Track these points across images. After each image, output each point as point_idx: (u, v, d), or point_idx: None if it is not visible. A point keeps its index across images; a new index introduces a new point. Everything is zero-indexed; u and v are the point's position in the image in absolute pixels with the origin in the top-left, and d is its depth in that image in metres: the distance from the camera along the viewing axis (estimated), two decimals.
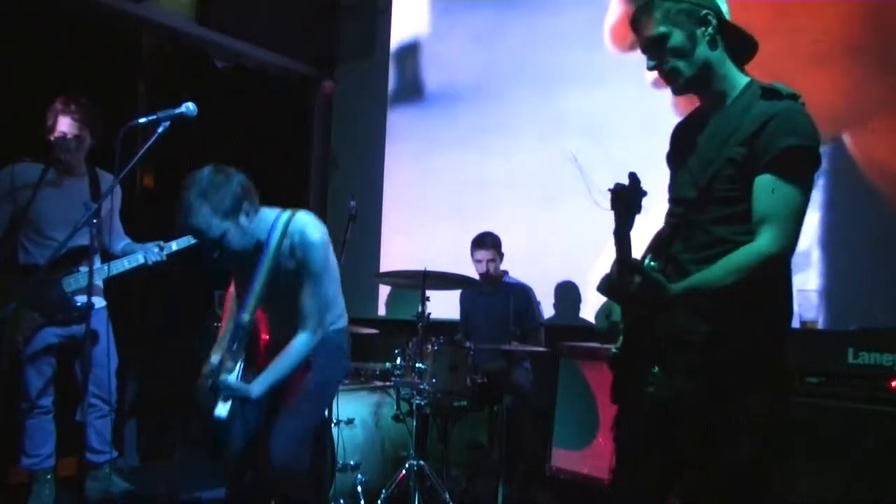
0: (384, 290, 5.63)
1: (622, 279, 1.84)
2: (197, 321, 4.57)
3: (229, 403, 2.50)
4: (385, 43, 5.85)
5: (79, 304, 3.38)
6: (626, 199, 1.85)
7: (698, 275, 1.84)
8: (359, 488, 3.58)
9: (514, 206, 4.90)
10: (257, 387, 2.50)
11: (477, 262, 4.35)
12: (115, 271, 3.47)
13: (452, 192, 5.28)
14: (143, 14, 4.78)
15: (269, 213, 2.66)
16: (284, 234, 2.58)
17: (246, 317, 2.54)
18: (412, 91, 5.67)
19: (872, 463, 2.86)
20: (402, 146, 5.67)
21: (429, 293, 3.86)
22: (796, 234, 1.83)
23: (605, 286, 1.93)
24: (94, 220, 2.94)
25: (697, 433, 1.89)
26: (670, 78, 1.96)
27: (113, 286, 3.62)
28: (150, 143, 3.01)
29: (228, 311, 2.88)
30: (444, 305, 4.45)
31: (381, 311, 5.62)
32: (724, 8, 1.95)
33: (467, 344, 3.78)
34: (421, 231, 5.45)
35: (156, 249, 3.52)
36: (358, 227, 3.65)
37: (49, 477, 3.53)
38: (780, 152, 1.80)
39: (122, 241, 3.67)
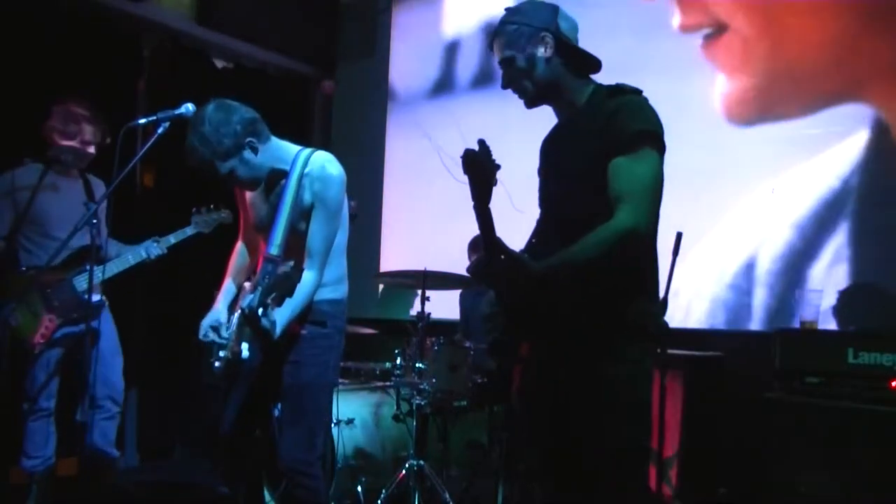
0: (384, 291, 5.63)
1: (489, 259, 1.93)
2: (197, 321, 4.56)
3: (248, 345, 2.42)
4: (385, 43, 5.85)
5: (92, 301, 3.38)
6: (479, 166, 1.90)
7: (561, 252, 1.94)
8: (359, 488, 3.58)
9: (515, 205, 4.89)
10: (277, 328, 2.40)
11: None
12: (120, 268, 3.51)
13: (453, 191, 5.27)
14: (143, 14, 4.78)
15: (290, 147, 2.63)
16: (305, 166, 2.55)
17: (274, 250, 2.48)
18: (415, 89, 5.68)
19: (872, 463, 2.86)
20: (402, 146, 5.67)
21: (429, 293, 3.86)
22: (652, 210, 1.98)
23: (475, 268, 2.02)
24: (95, 221, 2.95)
25: (578, 409, 2.00)
26: (520, 94, 2.16)
27: (113, 285, 3.62)
28: (150, 143, 3.01)
29: (232, 266, 2.83)
30: (444, 305, 4.45)
31: (381, 311, 5.62)
32: (565, 26, 2.11)
33: (467, 344, 3.78)
34: (421, 231, 5.45)
35: (154, 244, 3.56)
36: (358, 227, 3.65)
37: (46, 480, 3.52)
38: (628, 137, 1.96)
39: (109, 243, 3.68)
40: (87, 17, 4.50)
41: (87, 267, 3.33)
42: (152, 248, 3.56)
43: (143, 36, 4.90)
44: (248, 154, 2.49)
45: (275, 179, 2.59)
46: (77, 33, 4.43)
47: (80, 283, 3.43)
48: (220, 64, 5.30)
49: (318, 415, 2.68)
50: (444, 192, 5.30)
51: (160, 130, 2.79)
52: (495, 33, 2.14)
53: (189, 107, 2.76)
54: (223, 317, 2.62)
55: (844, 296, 3.71)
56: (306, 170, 2.55)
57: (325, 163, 2.57)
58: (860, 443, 2.90)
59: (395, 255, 5.53)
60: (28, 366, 3.42)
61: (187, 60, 5.06)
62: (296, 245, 2.55)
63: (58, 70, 4.25)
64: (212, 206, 3.69)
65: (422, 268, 3.80)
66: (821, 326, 3.48)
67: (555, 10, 2.13)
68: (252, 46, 5.43)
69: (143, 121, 2.84)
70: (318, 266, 2.55)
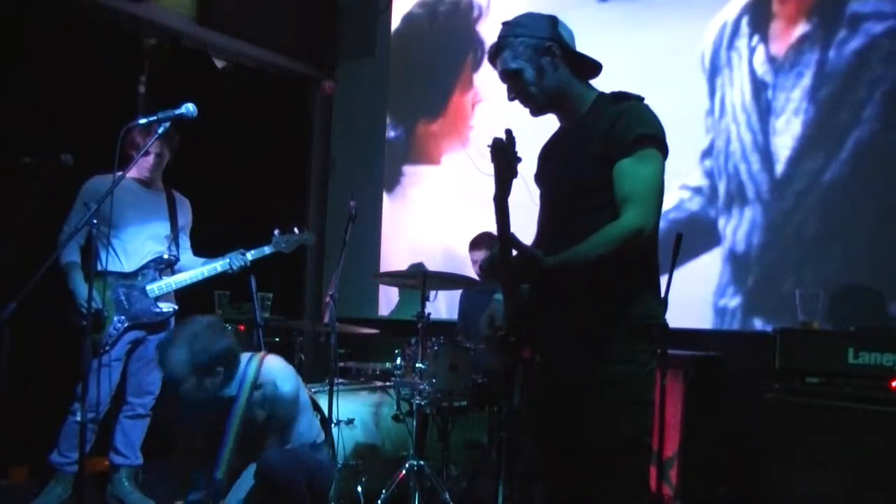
0: (384, 290, 5.63)
1: (503, 254, 1.96)
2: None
3: None
4: (385, 43, 5.85)
5: (163, 311, 3.57)
6: (506, 155, 1.94)
7: (571, 249, 1.97)
8: (359, 488, 3.58)
9: (516, 205, 4.88)
10: None
11: (474, 262, 4.35)
12: (193, 279, 3.61)
13: (453, 192, 5.28)
14: (143, 14, 4.78)
15: (240, 364, 2.74)
16: (255, 384, 2.67)
17: (219, 474, 2.58)
18: (414, 87, 5.68)
19: (872, 463, 2.86)
20: (402, 144, 5.67)
21: (429, 293, 3.85)
22: (656, 211, 2.03)
23: (489, 264, 2.06)
24: (95, 221, 2.94)
25: (581, 410, 2.02)
26: (527, 104, 2.19)
27: None
28: (150, 143, 3.01)
29: None
30: (444, 305, 4.45)
31: (381, 311, 5.62)
32: (566, 35, 2.15)
33: (467, 344, 3.78)
34: (421, 231, 5.45)
35: (240, 256, 3.63)
36: (358, 227, 3.65)
37: (68, 480, 3.49)
38: (632, 140, 2.01)
39: (186, 255, 3.76)
40: (87, 17, 4.50)
41: (163, 276, 3.59)
42: (235, 260, 3.61)
43: (143, 36, 4.90)
44: (209, 381, 2.62)
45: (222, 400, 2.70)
46: (77, 33, 4.43)
47: (153, 291, 3.55)
48: (220, 64, 5.30)
49: None
50: (444, 193, 5.32)
51: (160, 130, 2.79)
52: (498, 47, 2.15)
53: (189, 106, 2.76)
54: None
55: (844, 295, 3.71)
56: (258, 390, 2.68)
57: (276, 379, 2.71)
58: (860, 443, 2.90)
59: (396, 255, 5.53)
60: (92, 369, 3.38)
61: (187, 60, 5.07)
62: (243, 449, 2.67)
63: (58, 70, 4.25)
64: (296, 229, 3.75)
65: (421, 267, 3.79)
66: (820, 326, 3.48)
67: (554, 20, 2.17)
68: (252, 46, 5.43)
69: (143, 121, 2.83)
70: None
